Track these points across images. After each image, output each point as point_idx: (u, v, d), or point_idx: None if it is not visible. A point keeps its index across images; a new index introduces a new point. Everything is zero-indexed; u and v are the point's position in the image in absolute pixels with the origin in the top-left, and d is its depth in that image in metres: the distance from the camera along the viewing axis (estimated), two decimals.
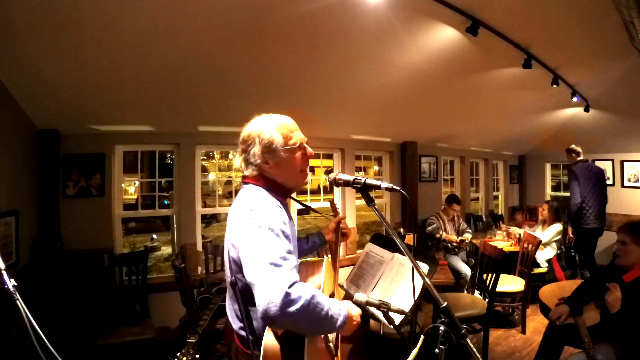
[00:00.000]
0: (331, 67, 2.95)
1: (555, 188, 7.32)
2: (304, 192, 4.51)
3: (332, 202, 1.79)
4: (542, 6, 2.52)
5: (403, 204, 5.09)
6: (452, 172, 6.34)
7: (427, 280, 1.06)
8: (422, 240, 4.53)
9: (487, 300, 3.12)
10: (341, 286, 1.68)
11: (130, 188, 7.76)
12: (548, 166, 7.31)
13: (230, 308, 1.27)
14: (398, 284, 1.47)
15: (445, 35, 2.72)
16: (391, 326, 1.19)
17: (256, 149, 1.22)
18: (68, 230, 3.12)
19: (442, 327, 1.01)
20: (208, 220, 9.06)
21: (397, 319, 1.25)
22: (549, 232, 4.31)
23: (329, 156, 4.64)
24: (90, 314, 2.93)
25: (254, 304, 1.12)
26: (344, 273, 1.82)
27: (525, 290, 3.62)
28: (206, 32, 2.30)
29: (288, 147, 1.23)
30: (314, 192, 5.42)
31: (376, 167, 5.74)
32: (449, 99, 4.02)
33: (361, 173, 6.02)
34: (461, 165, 6.28)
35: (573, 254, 4.73)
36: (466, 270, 4.04)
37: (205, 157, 7.75)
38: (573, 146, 4.57)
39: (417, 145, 5.21)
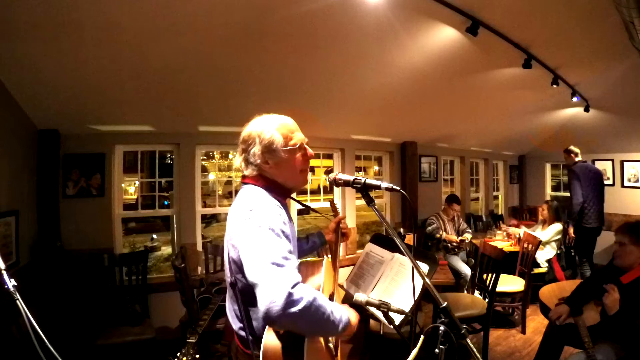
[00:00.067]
0: (331, 67, 2.95)
1: (555, 188, 7.33)
2: (304, 192, 4.51)
3: (332, 202, 1.80)
4: (542, 6, 2.52)
5: (403, 204, 5.09)
6: (452, 172, 6.34)
7: (427, 280, 1.06)
8: (422, 240, 4.53)
9: (487, 300, 3.12)
10: (341, 286, 1.68)
11: (130, 188, 7.77)
12: (548, 166, 7.32)
13: (230, 308, 1.27)
14: (398, 284, 1.47)
15: (445, 35, 2.72)
16: (391, 326, 1.19)
17: (256, 149, 1.22)
18: (68, 230, 3.12)
19: (442, 327, 1.01)
20: (208, 220, 9.06)
21: (397, 319, 1.25)
22: (549, 232, 4.31)
23: (329, 156, 4.64)
24: (90, 314, 2.93)
25: (253, 304, 1.12)
26: (344, 273, 1.82)
27: (525, 290, 3.62)
28: (206, 32, 2.30)
29: (288, 147, 1.23)
30: (314, 192, 5.42)
31: (376, 167, 5.74)
32: (449, 99, 4.02)
33: (361, 173, 6.02)
34: (461, 165, 6.28)
35: (573, 254, 4.74)
36: (466, 270, 4.04)
37: (205, 157, 7.76)
38: (571, 147, 4.60)
39: (417, 145, 5.21)
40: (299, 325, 1.02)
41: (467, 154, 6.27)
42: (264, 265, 1.01)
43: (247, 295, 1.15)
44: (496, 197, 7.26)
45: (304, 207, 1.94)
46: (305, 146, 1.29)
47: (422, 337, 1.06)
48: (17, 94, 2.55)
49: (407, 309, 1.29)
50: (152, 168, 3.89)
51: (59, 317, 2.79)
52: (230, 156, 7.50)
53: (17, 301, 0.99)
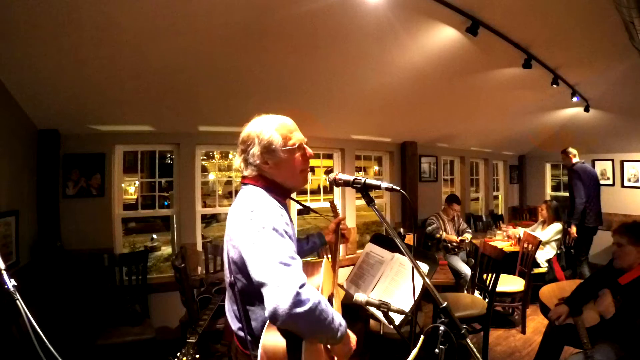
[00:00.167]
0: (331, 67, 2.95)
1: (555, 188, 7.33)
2: (304, 192, 4.51)
3: (332, 202, 1.79)
4: (542, 6, 2.52)
5: (403, 204, 5.09)
6: (452, 172, 6.34)
7: (427, 280, 1.06)
8: (422, 240, 4.53)
9: (487, 300, 3.12)
10: (341, 286, 1.68)
11: (130, 188, 7.77)
12: (548, 166, 7.31)
13: (229, 308, 1.27)
14: (398, 284, 1.47)
15: (445, 35, 2.72)
16: (391, 326, 1.19)
17: (255, 150, 1.22)
18: (68, 230, 3.12)
19: (442, 327, 1.01)
20: (208, 220, 9.06)
21: (397, 319, 1.25)
22: (549, 232, 4.31)
23: (329, 156, 4.64)
24: (90, 314, 2.93)
25: (252, 304, 1.12)
26: (344, 273, 1.82)
27: (525, 290, 3.62)
28: (206, 32, 2.30)
29: (287, 147, 1.23)
30: (314, 192, 5.42)
31: (376, 167, 5.74)
32: (449, 99, 4.02)
33: (361, 173, 6.02)
34: (461, 165, 6.28)
35: (573, 253, 4.75)
36: (466, 270, 4.04)
37: (205, 157, 7.76)
38: (569, 148, 4.68)
39: (417, 145, 5.21)
40: (302, 326, 1.02)
41: (467, 154, 6.27)
42: (272, 264, 1.01)
43: (246, 295, 1.16)
44: (496, 197, 7.26)
45: (303, 208, 1.94)
46: (305, 146, 1.29)
47: (422, 337, 1.06)
48: (17, 94, 2.55)
49: (407, 309, 1.29)
50: (152, 168, 3.89)
51: (59, 317, 2.79)
52: (230, 156, 7.50)
53: (17, 301, 0.99)
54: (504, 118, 5.13)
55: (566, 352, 2.30)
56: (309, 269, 1.36)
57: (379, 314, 1.24)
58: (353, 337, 1.24)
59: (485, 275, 3.27)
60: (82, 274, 3.04)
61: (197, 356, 1.85)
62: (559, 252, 4.39)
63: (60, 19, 1.96)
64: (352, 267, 1.74)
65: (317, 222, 9.79)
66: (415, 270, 1.08)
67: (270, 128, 1.23)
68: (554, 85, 3.81)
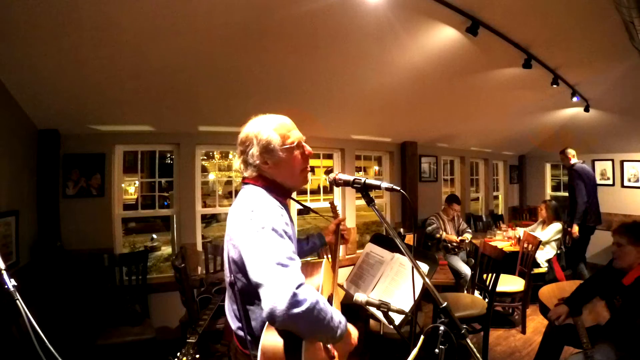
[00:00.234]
0: (331, 67, 2.95)
1: (555, 188, 7.33)
2: (304, 192, 4.51)
3: (332, 203, 1.79)
4: (542, 6, 2.52)
5: (403, 204, 5.09)
6: (452, 172, 6.33)
7: (427, 280, 1.06)
8: (422, 240, 4.53)
9: (487, 300, 3.12)
10: (341, 286, 1.68)
11: (130, 188, 7.77)
12: (548, 166, 7.31)
13: (229, 308, 1.27)
14: (398, 284, 1.47)
15: (445, 35, 2.72)
16: (391, 326, 1.19)
17: (254, 150, 1.22)
18: (68, 230, 3.12)
19: (442, 327, 1.01)
20: (208, 220, 9.06)
21: (397, 319, 1.25)
22: (549, 232, 4.31)
23: (329, 156, 4.64)
24: (90, 314, 2.93)
25: (252, 304, 1.12)
26: (344, 273, 1.82)
27: (525, 290, 3.62)
28: (206, 32, 2.30)
29: (286, 146, 1.23)
30: (314, 192, 5.42)
31: (376, 167, 5.74)
32: (449, 99, 4.02)
33: (361, 173, 6.02)
34: (461, 165, 6.28)
35: (572, 252, 4.77)
36: (466, 270, 4.04)
37: (205, 157, 7.76)
38: (568, 148, 4.76)
39: (417, 145, 5.21)
40: (301, 327, 1.02)
41: (467, 154, 6.27)
42: (269, 265, 1.01)
43: (246, 295, 1.16)
44: (496, 197, 7.26)
45: (304, 208, 1.94)
46: (304, 144, 1.29)
47: (422, 337, 1.06)
48: (17, 94, 2.55)
49: (407, 309, 1.29)
50: (152, 168, 3.89)
51: (59, 317, 2.79)
52: (230, 156, 7.51)
53: (17, 301, 0.99)
54: (504, 118, 5.13)
55: (566, 352, 2.30)
56: (309, 269, 1.36)
57: (379, 314, 1.24)
58: (354, 333, 1.23)
59: (485, 275, 3.27)
60: (82, 274, 3.04)
61: (197, 356, 1.85)
62: (559, 252, 4.39)
63: (60, 19, 1.96)
64: (352, 267, 1.74)
65: (317, 222, 9.78)
66: (415, 270, 1.08)
67: (268, 128, 1.23)
68: (554, 85, 3.81)
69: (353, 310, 1.60)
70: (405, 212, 5.10)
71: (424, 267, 1.45)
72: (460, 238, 4.34)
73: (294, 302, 0.96)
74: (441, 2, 2.30)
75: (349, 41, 2.63)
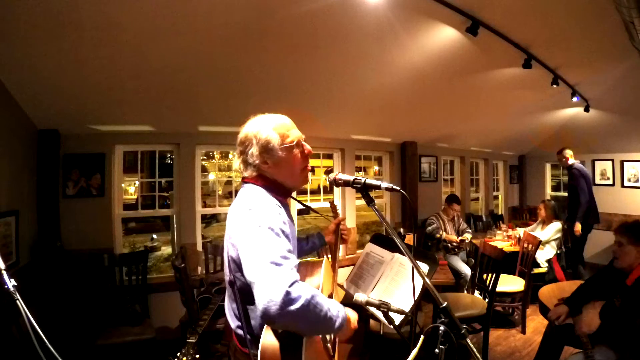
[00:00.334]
0: (331, 67, 2.95)
1: (555, 188, 7.33)
2: (304, 192, 4.51)
3: (332, 203, 1.80)
4: (542, 6, 2.52)
5: (403, 204, 5.09)
6: (452, 172, 6.33)
7: (427, 280, 1.06)
8: (422, 240, 4.53)
9: (487, 300, 3.12)
10: (341, 286, 1.68)
11: (130, 188, 7.77)
12: (548, 166, 7.31)
13: (229, 307, 1.27)
14: (398, 284, 1.47)
15: (445, 35, 2.72)
16: (391, 326, 1.19)
17: (254, 150, 1.22)
18: (68, 230, 3.12)
19: (442, 327, 1.01)
20: (208, 220, 9.06)
21: (397, 319, 1.25)
22: (549, 231, 4.32)
23: (329, 156, 4.64)
24: (90, 314, 2.93)
25: (252, 303, 1.12)
26: (344, 273, 1.82)
27: (525, 290, 3.62)
28: (206, 32, 2.30)
29: (285, 145, 1.23)
30: (314, 192, 5.42)
31: (376, 167, 5.74)
32: (449, 99, 4.02)
33: (361, 173, 6.02)
34: (461, 165, 6.28)
35: (571, 251, 4.81)
36: (466, 270, 4.04)
37: (205, 157, 7.76)
38: (566, 149, 4.81)
39: (417, 145, 5.21)
40: (297, 324, 1.02)
41: (467, 154, 6.27)
42: (262, 264, 1.01)
43: (245, 294, 1.16)
44: (496, 197, 7.26)
45: (304, 207, 1.94)
46: (303, 143, 1.29)
47: (422, 337, 1.06)
48: (17, 94, 2.55)
49: (407, 309, 1.29)
50: (152, 168, 3.89)
51: (59, 317, 2.79)
52: (230, 156, 7.51)
53: (17, 301, 0.99)
54: (504, 118, 5.13)
55: (566, 352, 2.30)
56: (309, 268, 1.36)
57: (379, 314, 1.24)
58: (353, 316, 1.22)
59: (485, 275, 3.27)
60: (82, 274, 3.04)
61: (197, 356, 1.85)
62: (559, 252, 4.40)
63: (60, 19, 1.96)
64: (352, 267, 1.74)
65: (317, 222, 9.78)
66: (415, 270, 1.08)
67: (267, 127, 1.23)
68: (554, 85, 3.81)
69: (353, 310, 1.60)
70: (405, 212, 5.10)
71: (424, 267, 1.45)
72: (460, 238, 4.34)
73: (288, 300, 0.96)
74: (441, 2, 2.30)
75: (349, 41, 2.63)
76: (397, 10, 2.31)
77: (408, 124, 4.63)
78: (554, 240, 4.32)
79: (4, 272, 1.03)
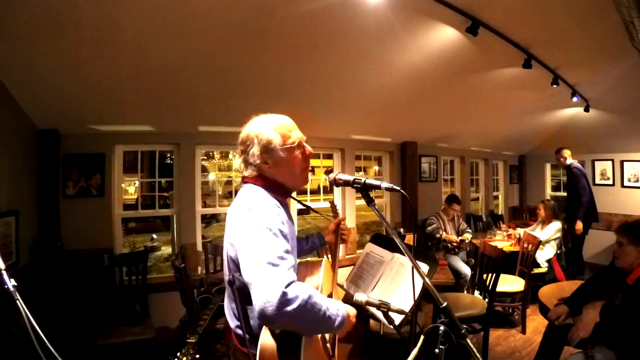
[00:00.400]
0: (331, 67, 2.95)
1: (555, 188, 7.32)
2: (304, 192, 4.51)
3: (332, 202, 1.80)
4: (542, 6, 2.52)
5: (403, 204, 5.09)
6: (452, 172, 6.33)
7: (427, 280, 1.06)
8: (422, 240, 4.53)
9: (487, 300, 3.12)
10: (341, 286, 1.68)
11: (130, 188, 7.76)
12: (548, 166, 7.31)
13: (228, 307, 1.27)
14: (398, 284, 1.47)
15: (445, 35, 2.72)
16: (391, 326, 1.19)
17: (255, 150, 1.22)
18: (68, 230, 3.12)
19: (442, 327, 1.01)
20: (208, 220, 9.06)
21: (397, 319, 1.25)
22: (549, 230, 4.32)
23: (329, 156, 4.64)
24: (90, 314, 2.93)
25: (251, 303, 1.12)
26: (344, 273, 1.82)
27: (525, 290, 3.62)
28: (206, 32, 2.30)
29: (287, 146, 1.24)
30: (314, 192, 5.42)
31: (376, 167, 5.74)
32: (449, 99, 4.02)
33: (361, 173, 6.02)
34: (461, 165, 6.28)
35: (571, 250, 4.83)
36: (466, 270, 4.04)
37: (205, 157, 7.75)
38: (564, 149, 4.87)
39: (417, 145, 5.21)
40: (295, 324, 1.03)
41: (467, 154, 6.27)
42: (259, 264, 1.01)
43: (244, 293, 1.16)
44: (496, 197, 7.26)
45: (304, 207, 1.94)
46: (304, 144, 1.30)
47: (422, 337, 1.06)
48: (17, 94, 2.55)
49: (407, 309, 1.29)
50: (152, 168, 3.89)
51: (59, 317, 2.79)
52: (230, 156, 7.51)
53: (17, 301, 0.99)
54: (504, 118, 5.13)
55: (566, 352, 2.30)
56: (309, 268, 1.36)
57: (379, 314, 1.24)
58: (352, 312, 1.22)
59: (485, 275, 3.27)
60: (82, 274, 3.04)
61: (197, 356, 1.85)
62: (559, 252, 4.40)
63: (60, 19, 1.96)
64: (352, 267, 1.74)
65: (317, 222, 9.78)
66: (415, 270, 1.08)
67: (269, 127, 1.24)
68: (554, 85, 3.81)
69: None
70: (405, 212, 5.10)
71: (424, 267, 1.45)
72: (460, 238, 4.34)
73: (285, 300, 0.96)
74: (441, 2, 2.30)
75: (349, 41, 2.63)
76: (397, 10, 2.31)
77: (408, 124, 4.63)
78: (554, 240, 4.32)
79: (4, 272, 1.03)
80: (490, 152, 6.74)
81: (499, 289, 3.16)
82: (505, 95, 4.25)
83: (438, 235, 4.33)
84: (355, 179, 1.22)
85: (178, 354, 1.82)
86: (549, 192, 7.32)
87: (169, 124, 3.40)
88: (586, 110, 5.15)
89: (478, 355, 0.98)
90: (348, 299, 1.27)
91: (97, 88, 2.65)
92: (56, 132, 3.05)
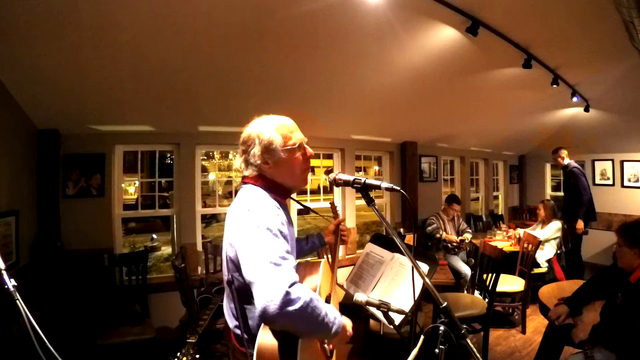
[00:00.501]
0: (331, 67, 2.95)
1: (555, 188, 7.32)
2: (304, 192, 4.51)
3: (332, 203, 1.79)
4: (542, 6, 2.52)
5: (403, 204, 5.09)
6: (452, 172, 6.33)
7: (427, 280, 1.06)
8: (422, 240, 4.53)
9: (487, 300, 3.12)
10: (341, 286, 1.68)
11: (130, 188, 7.76)
12: (548, 166, 7.31)
13: (227, 306, 1.28)
14: (398, 284, 1.47)
15: (445, 35, 2.72)
16: (391, 326, 1.19)
17: (256, 150, 1.23)
18: (68, 230, 3.12)
19: (442, 327, 1.01)
20: (208, 220, 9.05)
21: (397, 319, 1.25)
22: (549, 230, 4.32)
23: (329, 156, 4.64)
24: (90, 314, 2.93)
25: (249, 303, 1.13)
26: (344, 273, 1.82)
27: (525, 290, 3.62)
28: (206, 32, 2.30)
29: (287, 147, 1.24)
30: (314, 192, 5.42)
31: (376, 167, 5.74)
32: (449, 99, 4.02)
33: (361, 173, 6.02)
34: (461, 165, 6.28)
35: (570, 249, 4.84)
36: (466, 270, 4.04)
37: (205, 157, 7.75)
38: (562, 149, 4.89)
39: (417, 145, 5.21)
40: (294, 325, 1.03)
41: (467, 154, 6.27)
42: (262, 264, 1.02)
43: (243, 293, 1.16)
44: (496, 197, 7.26)
45: (303, 208, 1.94)
46: (305, 145, 1.30)
47: (422, 337, 1.06)
48: (17, 94, 2.55)
49: (407, 309, 1.29)
50: (152, 168, 3.89)
51: (59, 317, 2.79)
52: (230, 156, 7.51)
53: (17, 301, 0.99)
54: (504, 118, 5.13)
55: (566, 352, 2.30)
56: (308, 269, 1.36)
57: (379, 314, 1.24)
58: (349, 324, 1.24)
59: (485, 275, 3.27)
60: (82, 274, 3.04)
61: (197, 356, 1.85)
62: (559, 252, 4.40)
63: (60, 19, 1.96)
64: (351, 267, 1.74)
65: (317, 222, 9.77)
66: (415, 270, 1.08)
67: (270, 128, 1.24)
68: (554, 85, 3.81)
69: (353, 310, 1.60)
70: (405, 212, 5.10)
71: (424, 267, 1.45)
72: (460, 238, 4.34)
73: (287, 300, 0.97)
74: (441, 2, 2.30)
75: (349, 41, 2.63)
76: (397, 10, 2.31)
77: (408, 124, 4.63)
78: (554, 239, 4.32)
79: (4, 272, 1.03)
80: (490, 152, 6.74)
81: (499, 289, 3.16)
82: (505, 95, 4.25)
83: (438, 235, 4.33)
84: (355, 179, 1.22)
85: (178, 354, 1.82)
86: (549, 192, 7.32)
87: (169, 124, 3.40)
88: (586, 110, 5.15)
89: (478, 355, 0.98)
90: (348, 299, 1.27)
91: (97, 88, 2.65)
92: (56, 132, 3.05)
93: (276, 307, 0.95)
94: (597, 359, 1.88)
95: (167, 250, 7.08)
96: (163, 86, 2.79)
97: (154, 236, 7.84)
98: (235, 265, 1.15)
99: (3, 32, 1.97)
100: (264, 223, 1.09)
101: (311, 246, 1.61)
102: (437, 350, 1.01)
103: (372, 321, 2.82)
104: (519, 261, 4.00)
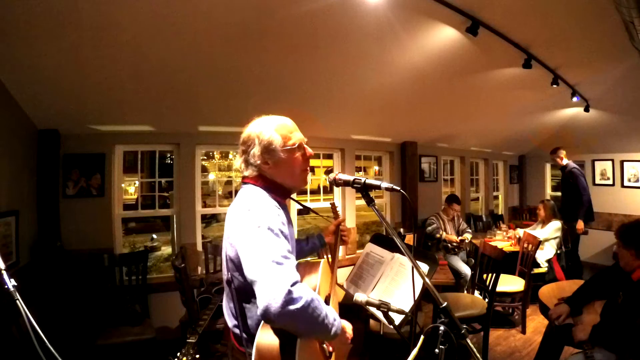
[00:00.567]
0: (331, 67, 2.95)
1: (555, 188, 7.32)
2: (304, 192, 4.51)
3: (332, 204, 1.79)
4: (542, 6, 2.52)
5: (403, 204, 5.09)
6: (452, 172, 6.33)
7: (427, 280, 1.06)
8: (422, 240, 4.53)
9: (487, 300, 3.12)
10: (341, 286, 1.68)
11: (130, 188, 7.76)
12: (548, 166, 7.31)
13: (226, 306, 1.28)
14: (398, 284, 1.47)
15: (445, 35, 2.72)
16: (391, 326, 1.19)
17: (256, 150, 1.23)
18: (68, 230, 3.12)
19: (442, 327, 1.01)
20: (208, 220, 9.05)
21: (397, 319, 1.25)
22: (548, 229, 4.32)
23: (329, 156, 4.64)
24: (90, 314, 2.94)
25: (248, 302, 1.13)
26: (344, 273, 1.82)
27: (525, 290, 3.62)
28: (206, 32, 2.30)
29: (287, 147, 1.24)
30: (314, 192, 5.42)
31: (376, 167, 5.74)
32: (449, 99, 4.02)
33: (361, 173, 6.02)
34: (461, 165, 6.28)
35: (570, 249, 4.85)
36: (466, 270, 4.04)
37: (205, 157, 7.74)
38: (561, 149, 4.91)
39: (417, 145, 5.21)
40: (295, 324, 1.03)
41: (467, 154, 6.27)
42: (264, 263, 1.02)
43: (242, 293, 1.17)
44: (496, 197, 7.26)
45: (303, 208, 1.94)
46: (305, 146, 1.30)
47: (422, 337, 1.06)
48: (17, 94, 2.55)
49: (407, 309, 1.29)
50: (152, 168, 3.89)
51: (59, 317, 2.79)
52: (230, 156, 7.51)
53: (17, 301, 0.99)
54: (504, 118, 5.13)
55: (566, 352, 2.30)
56: (307, 269, 1.36)
57: (379, 314, 1.24)
58: (349, 327, 1.24)
59: (485, 275, 3.27)
60: (82, 274, 3.04)
61: (197, 356, 1.85)
62: (559, 252, 4.40)
63: (60, 19, 1.96)
64: (351, 267, 1.74)
65: (317, 222, 9.77)
66: (415, 270, 1.08)
67: (270, 128, 1.25)
68: (554, 85, 3.81)
69: (353, 310, 1.60)
70: (405, 212, 5.10)
71: (424, 267, 1.45)
72: (460, 238, 4.34)
73: (289, 299, 0.97)
74: (441, 2, 2.30)
75: (349, 41, 2.63)
76: (397, 10, 2.31)
77: (408, 124, 4.63)
78: (554, 239, 4.32)
79: (4, 272, 1.03)
80: (490, 152, 6.74)
81: (499, 289, 3.16)
82: (505, 95, 4.25)
83: (438, 235, 4.33)
84: (355, 179, 1.22)
85: (178, 354, 1.82)
86: (549, 192, 7.32)
87: (169, 124, 3.40)
88: (586, 110, 5.15)
89: (478, 355, 0.98)
90: (348, 299, 1.27)
91: (97, 88, 2.65)
92: (56, 132, 3.05)
93: (278, 305, 0.96)
94: (597, 359, 1.88)
95: (167, 250, 7.08)
96: (163, 86, 2.79)
97: (154, 236, 7.84)
98: (235, 265, 1.15)
99: (3, 32, 1.97)
100: (265, 223, 1.09)
101: (312, 247, 1.61)
102: (437, 350, 1.01)
103: (372, 321, 2.82)
104: (519, 261, 4.00)
